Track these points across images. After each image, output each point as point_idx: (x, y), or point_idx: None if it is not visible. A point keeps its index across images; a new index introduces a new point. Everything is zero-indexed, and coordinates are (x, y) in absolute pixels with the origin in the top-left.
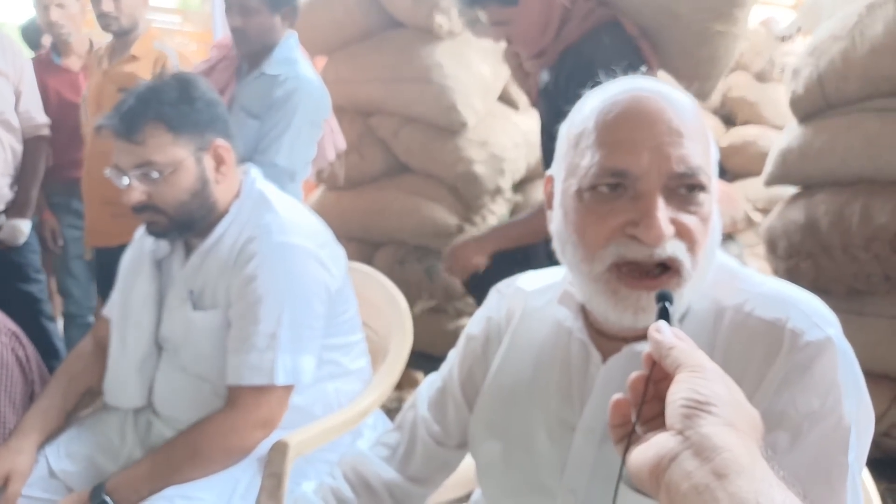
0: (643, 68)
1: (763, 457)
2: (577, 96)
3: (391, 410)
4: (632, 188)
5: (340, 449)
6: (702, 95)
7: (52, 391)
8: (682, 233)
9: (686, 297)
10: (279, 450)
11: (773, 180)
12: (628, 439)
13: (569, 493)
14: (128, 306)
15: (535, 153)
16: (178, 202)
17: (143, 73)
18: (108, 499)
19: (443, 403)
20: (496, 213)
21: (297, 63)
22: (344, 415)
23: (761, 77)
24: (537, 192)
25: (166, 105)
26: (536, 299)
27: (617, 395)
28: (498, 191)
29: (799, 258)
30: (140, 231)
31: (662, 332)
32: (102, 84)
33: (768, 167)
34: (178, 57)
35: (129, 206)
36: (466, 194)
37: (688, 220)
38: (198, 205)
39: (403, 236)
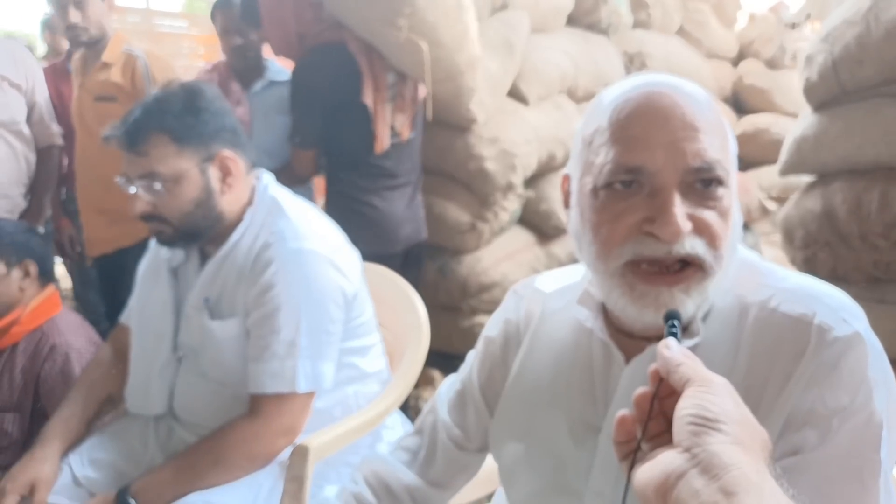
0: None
1: (771, 475)
2: (296, 105)
3: (409, 408)
4: (647, 185)
5: (361, 451)
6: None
7: (72, 400)
8: (701, 228)
9: (710, 292)
10: (300, 453)
11: (789, 169)
12: (633, 457)
13: (596, 495)
14: (146, 314)
15: (547, 148)
16: (182, 213)
17: (116, 78)
18: (132, 502)
19: (463, 407)
20: (508, 209)
21: (285, 69)
22: (363, 417)
23: (772, 64)
24: (549, 188)
25: (170, 116)
26: (555, 300)
27: (622, 412)
28: (510, 187)
29: (816, 247)
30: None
31: (671, 348)
32: (80, 96)
33: (783, 156)
34: (147, 58)
35: (135, 215)
36: (478, 191)
37: (706, 215)
38: (202, 215)
39: None
